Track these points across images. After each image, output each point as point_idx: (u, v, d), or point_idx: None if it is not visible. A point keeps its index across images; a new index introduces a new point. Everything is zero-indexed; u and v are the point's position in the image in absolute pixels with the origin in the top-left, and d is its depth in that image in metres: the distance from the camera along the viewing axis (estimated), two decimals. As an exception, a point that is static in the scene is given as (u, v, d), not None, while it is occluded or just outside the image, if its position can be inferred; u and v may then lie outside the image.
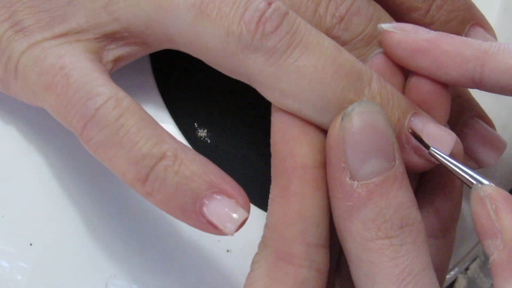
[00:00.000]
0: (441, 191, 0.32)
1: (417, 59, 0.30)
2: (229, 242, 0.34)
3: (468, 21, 0.33)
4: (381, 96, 0.29)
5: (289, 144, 0.29)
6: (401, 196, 0.27)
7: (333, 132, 0.28)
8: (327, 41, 0.29)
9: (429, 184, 0.32)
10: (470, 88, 0.31)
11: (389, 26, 0.30)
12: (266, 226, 0.29)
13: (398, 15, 0.33)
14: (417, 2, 0.33)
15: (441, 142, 0.29)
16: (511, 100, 0.40)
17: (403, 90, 0.31)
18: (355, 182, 0.27)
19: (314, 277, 0.28)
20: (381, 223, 0.27)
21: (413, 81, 0.31)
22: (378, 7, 0.32)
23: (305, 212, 0.28)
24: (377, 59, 0.31)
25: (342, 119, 0.27)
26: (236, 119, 0.35)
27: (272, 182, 0.29)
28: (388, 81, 0.30)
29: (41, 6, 0.30)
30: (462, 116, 0.36)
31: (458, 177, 0.29)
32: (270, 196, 0.29)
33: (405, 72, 0.31)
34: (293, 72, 0.28)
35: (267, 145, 0.35)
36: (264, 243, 0.29)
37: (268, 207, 0.29)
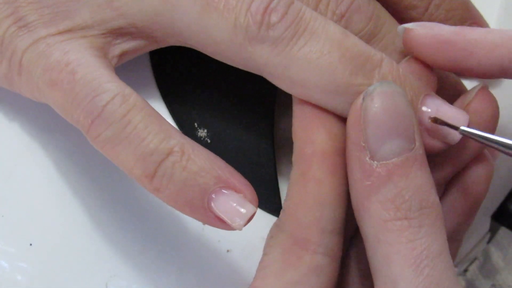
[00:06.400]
0: (464, 190, 0.32)
1: (444, 52, 0.30)
2: (229, 242, 0.34)
3: (466, 20, 0.34)
4: (392, 78, 0.29)
5: (308, 132, 0.29)
6: (421, 178, 0.27)
7: (354, 111, 0.28)
8: (333, 26, 0.29)
9: (453, 184, 0.33)
10: (497, 77, 0.31)
11: (411, 24, 0.30)
12: (283, 210, 0.29)
13: (397, 14, 0.33)
14: (416, 0, 0.33)
15: (456, 121, 0.29)
16: (511, 100, 0.40)
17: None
18: (375, 162, 0.27)
19: (328, 263, 0.28)
20: (400, 203, 0.26)
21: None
22: (378, 5, 0.32)
23: (322, 198, 0.28)
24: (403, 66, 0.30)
25: (363, 99, 0.27)
26: (237, 119, 0.35)
27: (292, 168, 0.29)
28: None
29: (44, 1, 0.30)
30: None
31: (496, 149, 0.28)
32: (290, 181, 0.29)
33: (433, 76, 0.31)
34: (300, 59, 0.28)
35: (268, 145, 0.35)
36: (279, 228, 0.29)
37: (287, 192, 0.29)
